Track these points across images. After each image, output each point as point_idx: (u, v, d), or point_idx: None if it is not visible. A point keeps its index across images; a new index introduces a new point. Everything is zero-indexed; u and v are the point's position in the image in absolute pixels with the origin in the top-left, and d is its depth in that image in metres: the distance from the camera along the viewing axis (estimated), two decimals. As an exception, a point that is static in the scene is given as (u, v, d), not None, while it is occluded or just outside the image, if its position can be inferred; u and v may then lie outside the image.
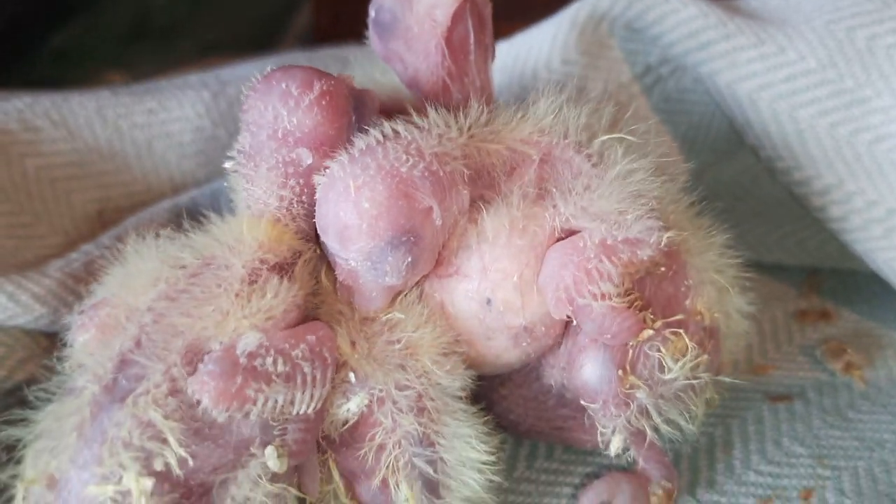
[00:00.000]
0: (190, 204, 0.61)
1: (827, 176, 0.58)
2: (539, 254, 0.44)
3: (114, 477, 0.37)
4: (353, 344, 0.43)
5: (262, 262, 0.42)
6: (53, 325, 0.53)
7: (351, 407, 0.42)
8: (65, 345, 0.43)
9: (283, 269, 0.43)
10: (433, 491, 0.42)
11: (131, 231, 0.50)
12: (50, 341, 0.53)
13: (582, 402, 0.45)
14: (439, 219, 0.42)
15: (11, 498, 0.39)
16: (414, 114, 0.43)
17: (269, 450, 0.40)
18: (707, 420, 0.52)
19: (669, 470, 0.48)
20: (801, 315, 0.64)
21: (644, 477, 0.48)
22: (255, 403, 0.38)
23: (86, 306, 0.43)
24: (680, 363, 0.44)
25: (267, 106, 0.43)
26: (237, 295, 0.40)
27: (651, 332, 0.44)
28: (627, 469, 0.49)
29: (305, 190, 0.43)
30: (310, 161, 0.43)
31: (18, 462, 0.40)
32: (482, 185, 0.44)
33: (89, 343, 0.42)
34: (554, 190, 0.44)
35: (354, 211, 0.40)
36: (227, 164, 0.45)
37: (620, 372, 0.44)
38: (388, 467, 0.42)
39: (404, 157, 0.41)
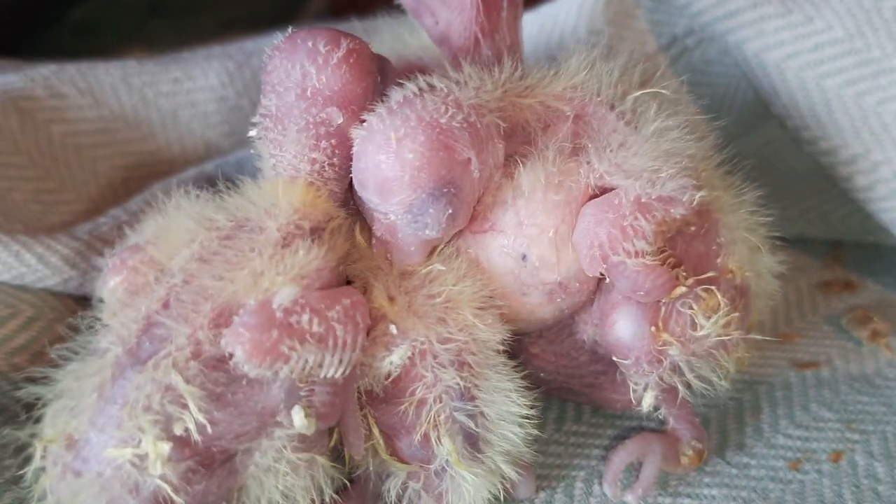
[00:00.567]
0: (215, 172, 0.61)
1: (853, 145, 0.58)
2: (574, 210, 0.43)
3: (132, 440, 0.37)
4: (391, 298, 0.42)
5: (297, 226, 0.41)
6: (82, 287, 0.53)
7: (394, 359, 0.42)
8: (93, 306, 0.43)
9: (315, 233, 0.42)
10: (474, 445, 0.42)
11: (160, 196, 0.50)
12: (78, 305, 0.53)
13: (614, 359, 0.45)
14: (477, 171, 0.42)
15: (31, 456, 0.39)
16: (449, 68, 0.43)
17: (296, 409, 0.39)
18: (734, 386, 0.52)
19: (700, 431, 0.48)
20: (826, 285, 0.64)
21: (674, 437, 0.48)
22: (286, 362, 0.37)
23: (120, 249, 0.43)
24: (712, 320, 0.44)
25: (294, 65, 0.42)
26: (270, 258, 0.40)
27: (683, 289, 0.44)
28: (657, 430, 0.49)
29: (337, 152, 0.42)
30: (340, 120, 0.42)
31: (38, 421, 0.39)
32: (517, 140, 0.44)
33: (119, 288, 0.41)
34: (589, 146, 0.44)
35: (396, 163, 0.40)
36: (252, 132, 0.44)
37: (653, 328, 0.44)
38: (428, 422, 0.41)
39: (443, 108, 0.41)
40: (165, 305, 0.39)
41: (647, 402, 0.46)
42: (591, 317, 0.46)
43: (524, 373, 0.44)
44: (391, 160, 0.40)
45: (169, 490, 0.37)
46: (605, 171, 0.44)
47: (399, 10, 0.49)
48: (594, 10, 0.61)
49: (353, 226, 0.44)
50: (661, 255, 0.44)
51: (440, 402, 0.41)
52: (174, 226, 0.42)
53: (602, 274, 0.44)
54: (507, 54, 0.46)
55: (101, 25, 0.91)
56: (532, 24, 0.63)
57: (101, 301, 0.42)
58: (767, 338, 0.49)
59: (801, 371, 0.55)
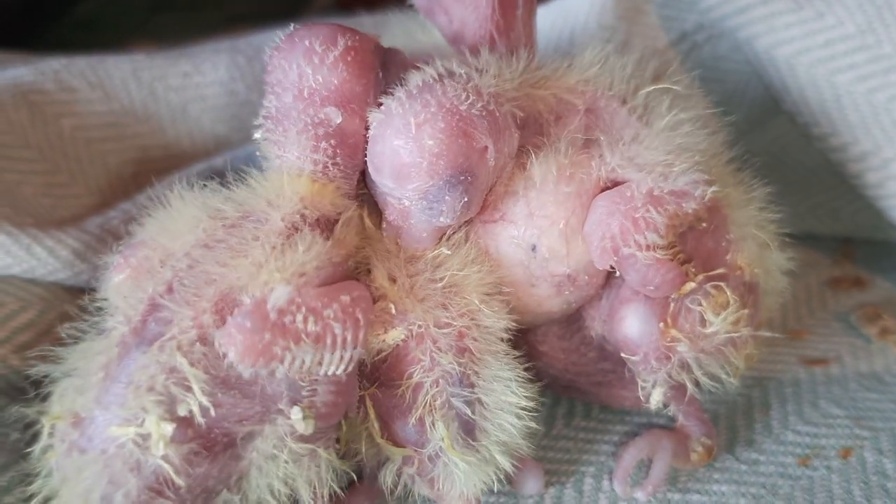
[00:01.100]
0: (224, 166, 0.61)
1: (864, 142, 0.58)
2: (585, 202, 0.43)
3: (136, 419, 0.37)
4: (392, 279, 0.42)
5: (301, 216, 0.41)
6: (92, 281, 0.53)
7: (388, 339, 0.42)
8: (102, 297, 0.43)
9: (323, 225, 0.42)
10: (469, 433, 0.42)
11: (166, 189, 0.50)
12: (89, 299, 0.53)
13: (623, 355, 0.45)
14: (493, 159, 0.41)
15: (38, 433, 0.39)
16: (468, 55, 0.43)
17: (296, 410, 0.39)
18: (744, 382, 0.52)
19: (709, 427, 0.48)
20: (835, 282, 0.64)
21: (684, 434, 0.48)
22: (281, 362, 0.37)
23: (124, 246, 0.43)
24: (721, 317, 0.44)
25: (291, 65, 0.42)
26: (273, 248, 0.39)
27: (693, 285, 0.44)
28: (667, 427, 0.49)
29: (339, 152, 0.42)
30: (339, 120, 0.42)
31: (46, 398, 0.40)
32: (530, 131, 0.44)
33: (123, 284, 0.42)
34: (602, 139, 0.44)
35: (415, 148, 0.40)
36: (257, 134, 0.44)
37: (662, 325, 0.44)
38: (424, 406, 0.41)
39: (463, 94, 0.41)
40: (169, 289, 0.39)
41: (656, 399, 0.46)
42: (599, 312, 0.46)
43: (528, 364, 0.44)
44: (410, 145, 0.40)
45: (170, 470, 0.37)
46: (618, 164, 0.44)
47: (409, 6, 0.49)
48: (605, 6, 0.61)
49: (362, 211, 0.44)
50: (671, 251, 0.44)
51: (437, 386, 0.41)
52: (178, 215, 0.42)
53: (612, 267, 0.43)
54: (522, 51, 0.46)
55: (105, 21, 0.90)
56: (544, 19, 0.63)
57: (106, 299, 0.42)
58: (776, 334, 0.49)
59: (810, 368, 0.55)
